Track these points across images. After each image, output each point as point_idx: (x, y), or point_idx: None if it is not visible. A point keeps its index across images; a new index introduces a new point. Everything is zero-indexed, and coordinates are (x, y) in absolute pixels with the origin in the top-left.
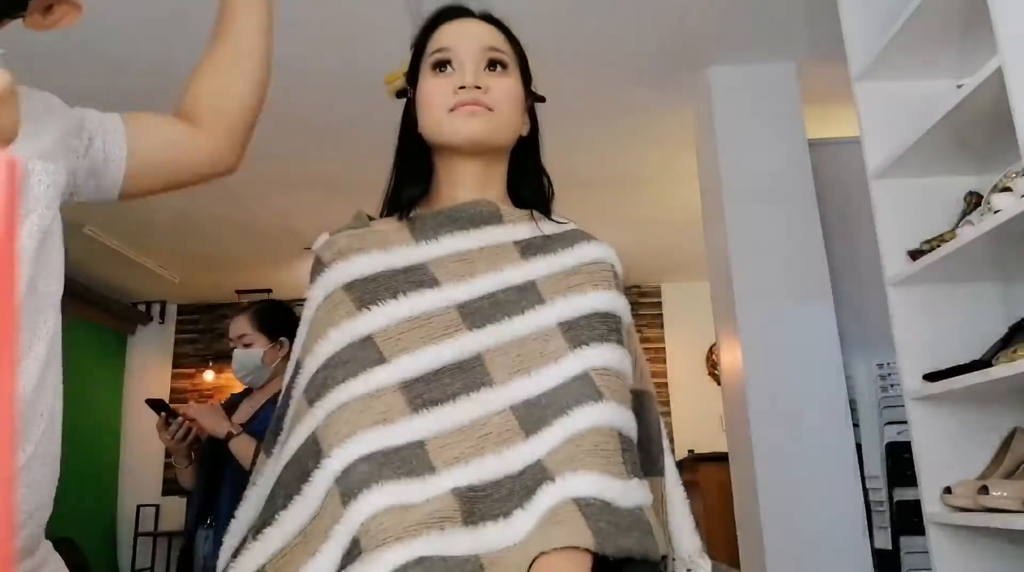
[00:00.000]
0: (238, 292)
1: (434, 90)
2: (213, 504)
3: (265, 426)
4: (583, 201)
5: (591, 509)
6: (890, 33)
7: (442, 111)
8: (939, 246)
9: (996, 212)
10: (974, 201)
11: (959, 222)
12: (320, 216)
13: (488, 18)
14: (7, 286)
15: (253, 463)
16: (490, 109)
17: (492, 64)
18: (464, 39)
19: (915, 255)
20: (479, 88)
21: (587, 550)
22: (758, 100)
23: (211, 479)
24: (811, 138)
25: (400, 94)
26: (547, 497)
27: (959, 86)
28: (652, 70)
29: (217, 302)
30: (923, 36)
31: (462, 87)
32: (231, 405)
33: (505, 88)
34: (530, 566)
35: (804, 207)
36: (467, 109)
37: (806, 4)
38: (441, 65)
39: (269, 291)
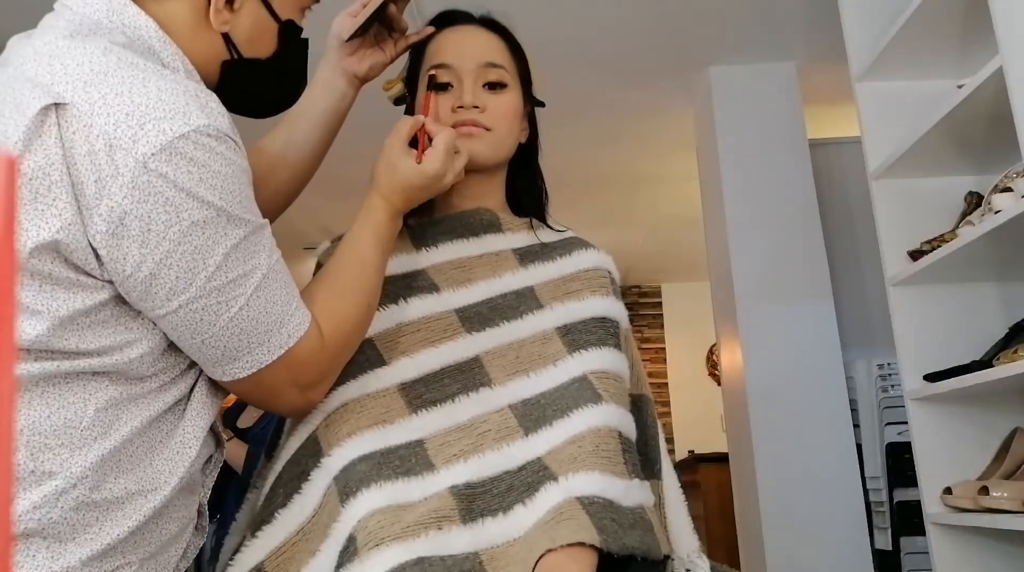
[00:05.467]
0: None
1: (432, 107)
2: (219, 502)
3: (268, 430)
4: (583, 201)
5: (595, 507)
6: (890, 33)
7: None
8: (939, 246)
9: (996, 212)
10: (974, 201)
11: (959, 222)
12: (321, 216)
13: (488, 23)
14: (7, 286)
15: (245, 466)
16: (488, 128)
17: (491, 85)
18: (463, 54)
19: (915, 255)
20: (477, 107)
21: (591, 548)
22: (758, 100)
23: (219, 479)
24: (811, 138)
25: (398, 101)
26: (550, 496)
27: (959, 86)
28: (652, 70)
29: None
30: (923, 36)
31: (460, 106)
32: (236, 409)
33: (503, 106)
34: (536, 564)
35: (804, 207)
36: (465, 130)
37: (806, 4)
38: (440, 83)
39: None
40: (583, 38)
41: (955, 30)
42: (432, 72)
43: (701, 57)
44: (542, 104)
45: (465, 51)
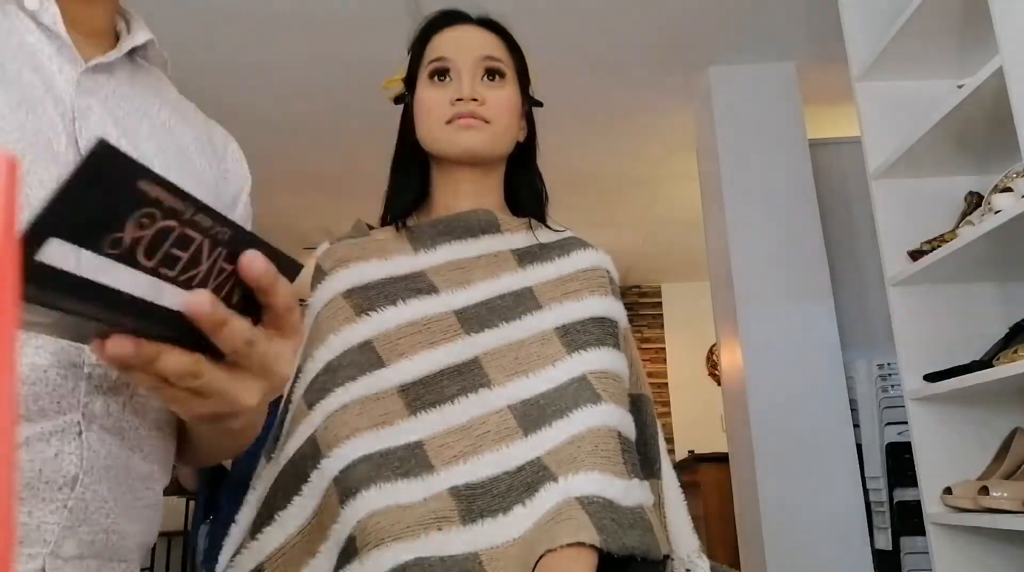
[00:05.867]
0: None
1: (431, 100)
2: (214, 503)
3: (271, 429)
4: (584, 201)
5: (594, 507)
6: (890, 33)
7: (439, 122)
8: (939, 246)
9: (996, 212)
10: (974, 201)
11: (959, 222)
12: (321, 217)
13: (486, 23)
14: (7, 286)
15: (235, 462)
16: (487, 121)
17: (489, 74)
18: (462, 48)
19: (915, 255)
20: (476, 100)
21: (591, 548)
22: (758, 100)
23: (213, 479)
24: (811, 138)
25: (398, 99)
26: (549, 496)
27: (959, 86)
28: (652, 70)
29: None
30: (923, 36)
31: (459, 99)
32: None
33: (502, 98)
34: (536, 564)
35: (804, 207)
36: (464, 122)
37: (806, 4)
38: (438, 74)
39: None
40: (583, 38)
41: (955, 30)
42: (431, 66)
43: (701, 57)
44: (540, 104)
45: (463, 46)
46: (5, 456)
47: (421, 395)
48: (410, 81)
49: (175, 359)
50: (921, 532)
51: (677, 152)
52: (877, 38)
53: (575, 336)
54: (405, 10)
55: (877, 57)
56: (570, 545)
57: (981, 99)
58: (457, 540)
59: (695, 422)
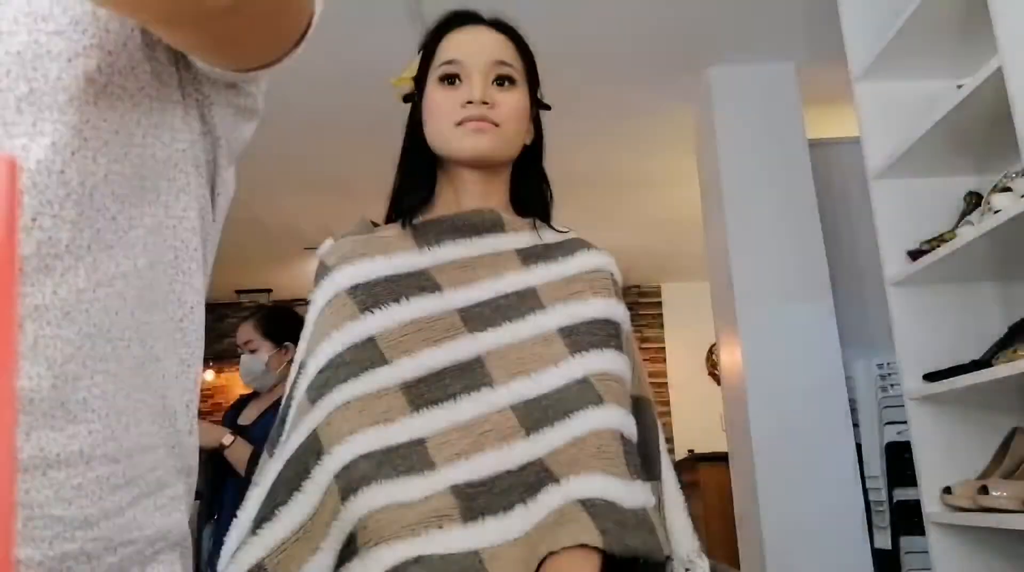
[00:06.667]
0: (238, 292)
1: (441, 102)
2: (217, 502)
3: (268, 429)
4: (583, 201)
5: (597, 509)
6: (890, 33)
7: (448, 124)
8: (939, 246)
9: (996, 212)
10: (974, 201)
11: (959, 222)
12: (322, 216)
13: (498, 25)
14: (7, 286)
15: (249, 467)
16: (496, 124)
17: (499, 78)
18: (473, 51)
19: (915, 255)
20: (486, 103)
21: (595, 549)
22: (758, 100)
23: (216, 478)
24: (811, 138)
25: (407, 98)
26: (551, 498)
27: (959, 86)
28: (652, 70)
29: (216, 302)
30: (923, 36)
31: (469, 102)
32: (239, 406)
33: (512, 103)
34: (539, 566)
35: (804, 207)
36: (473, 125)
37: (806, 4)
38: (449, 78)
39: (269, 291)
40: (583, 38)
41: (955, 30)
42: (442, 68)
43: (701, 57)
44: (548, 107)
45: (475, 49)
46: (6, 450)
47: (423, 393)
48: (419, 80)
49: None
50: (921, 532)
51: (677, 152)
52: (876, 38)
53: (578, 337)
54: (405, 10)
55: (876, 57)
56: (573, 547)
57: (981, 99)
58: (458, 538)
59: (695, 422)
